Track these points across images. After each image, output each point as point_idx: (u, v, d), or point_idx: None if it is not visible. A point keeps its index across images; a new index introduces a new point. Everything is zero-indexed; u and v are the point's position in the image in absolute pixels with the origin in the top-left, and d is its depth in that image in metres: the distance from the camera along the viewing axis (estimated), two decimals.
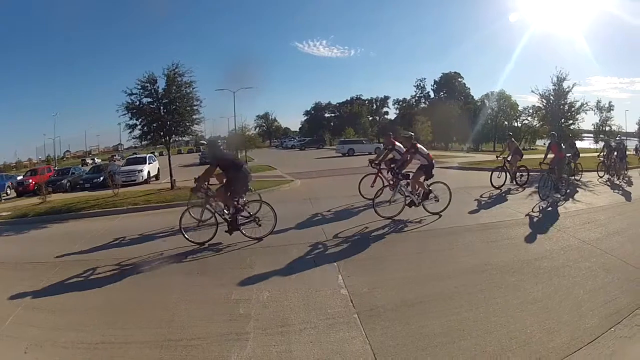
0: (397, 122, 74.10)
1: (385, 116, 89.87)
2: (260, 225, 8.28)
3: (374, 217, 9.50)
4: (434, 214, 9.85)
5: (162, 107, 16.82)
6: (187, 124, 17.32)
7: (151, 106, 16.78)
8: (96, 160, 63.33)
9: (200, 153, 49.70)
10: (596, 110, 32.12)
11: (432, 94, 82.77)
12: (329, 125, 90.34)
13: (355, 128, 78.68)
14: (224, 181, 8.52)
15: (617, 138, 24.31)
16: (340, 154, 40.78)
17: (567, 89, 24.60)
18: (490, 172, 14.69)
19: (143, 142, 19.83)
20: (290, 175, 18.44)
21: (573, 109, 24.72)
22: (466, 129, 66.36)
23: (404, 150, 10.38)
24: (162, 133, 17.07)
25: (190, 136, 21.18)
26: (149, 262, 7.28)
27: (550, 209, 11.36)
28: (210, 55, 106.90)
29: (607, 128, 33.00)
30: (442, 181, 10.34)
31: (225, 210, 8.18)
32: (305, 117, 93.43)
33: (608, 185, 15.89)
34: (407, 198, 9.78)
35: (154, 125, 16.89)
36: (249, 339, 4.31)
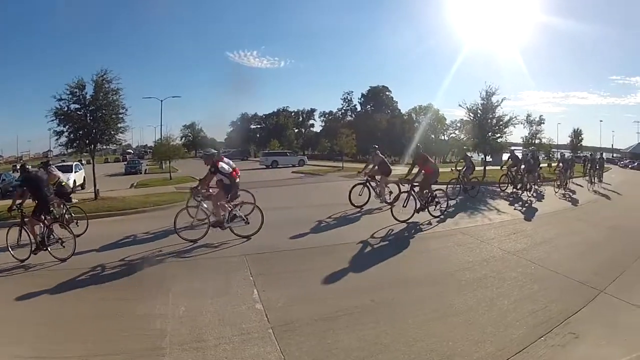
0: (323, 134, 75.65)
1: (311, 129, 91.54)
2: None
3: (295, 231, 9.76)
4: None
5: (88, 114, 16.95)
6: (112, 132, 17.47)
7: (78, 113, 16.89)
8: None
9: (125, 163, 48.79)
10: (526, 123, 34.68)
11: (359, 107, 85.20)
12: (255, 137, 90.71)
13: (281, 140, 78.35)
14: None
15: (530, 149, 26.00)
16: (264, 166, 41.75)
17: (496, 103, 25.98)
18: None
19: (69, 150, 19.71)
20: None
21: (501, 122, 26.06)
22: (392, 142, 68.43)
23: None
24: (87, 141, 17.16)
25: (116, 145, 21.05)
26: (70, 276, 7.12)
27: (473, 219, 11.80)
28: (140, 62, 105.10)
29: (537, 141, 35.57)
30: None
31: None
32: (232, 128, 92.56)
33: (532, 196, 16.81)
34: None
35: (80, 132, 16.94)
36: (165, 354, 4.36)
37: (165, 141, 35.12)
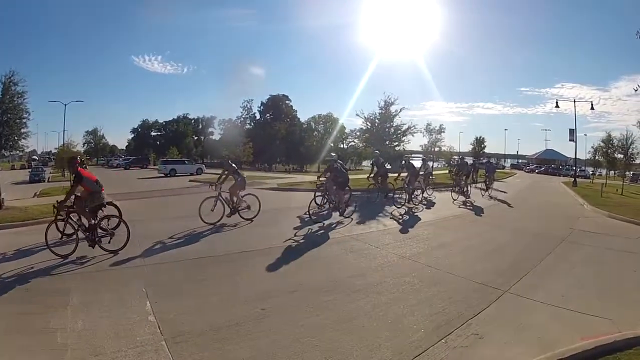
0: (222, 143, 75.41)
1: (211, 136, 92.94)
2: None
3: (189, 240, 9.83)
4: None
5: None
6: (16, 137, 17.06)
7: None
8: None
9: (30, 170, 45.83)
10: (425, 132, 36.82)
11: (258, 116, 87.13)
12: (155, 144, 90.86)
13: (180, 148, 78.79)
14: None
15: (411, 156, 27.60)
16: (163, 174, 42.02)
17: (395, 113, 27.00)
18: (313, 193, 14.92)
19: None
20: (110, 196, 17.14)
21: (399, 131, 27.15)
22: (291, 150, 69.18)
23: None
24: None
25: (21, 151, 20.83)
26: None
27: (370, 226, 11.90)
28: (42, 65, 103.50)
29: (437, 149, 37.92)
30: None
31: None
32: (133, 135, 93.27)
33: (432, 201, 17.75)
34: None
35: None
36: None
37: (66, 148, 34.85)
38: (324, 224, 11.98)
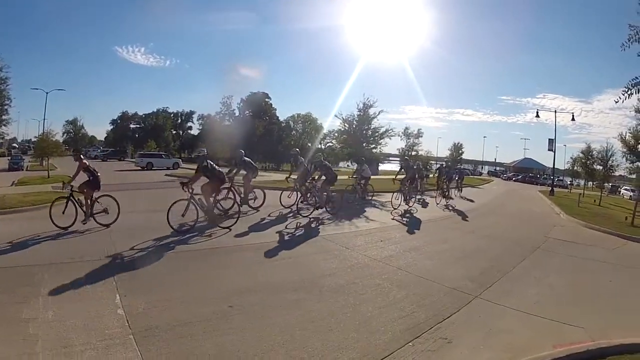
0: (200, 138, 76.27)
1: (189, 131, 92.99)
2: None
3: (160, 234, 9.66)
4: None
5: None
6: None
7: None
8: None
9: (9, 158, 45.11)
10: (403, 136, 37.34)
11: (237, 112, 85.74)
12: (134, 137, 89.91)
13: (158, 141, 79.06)
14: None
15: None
16: (139, 167, 42.06)
17: (373, 115, 27.27)
18: (280, 192, 15.05)
19: None
20: None
21: (377, 134, 27.36)
22: (269, 148, 69.29)
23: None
24: None
25: (1, 139, 20.98)
26: None
27: (342, 227, 11.87)
28: (25, 52, 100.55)
29: (414, 153, 38.45)
30: None
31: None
32: (112, 127, 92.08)
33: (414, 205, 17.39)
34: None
35: None
36: (39, 359, 4.34)
37: (45, 137, 33.97)
38: (297, 224, 11.92)
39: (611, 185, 48.04)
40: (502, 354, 4.55)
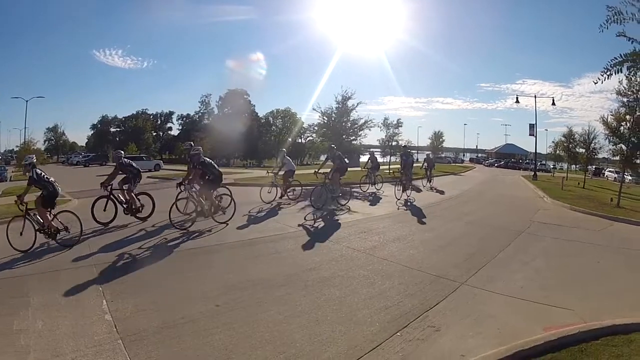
0: (180, 138, 76.58)
1: (169, 132, 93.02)
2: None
3: (142, 237, 9.80)
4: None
5: None
6: None
7: None
8: None
9: None
10: (383, 127, 37.43)
11: (216, 110, 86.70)
12: (115, 140, 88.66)
13: (139, 144, 78.55)
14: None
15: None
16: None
17: (352, 107, 27.41)
18: (260, 188, 15.11)
19: None
20: (69, 194, 17.76)
21: (356, 125, 27.48)
22: (249, 145, 69.78)
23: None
24: None
25: None
26: None
27: (324, 220, 11.92)
28: (2, 60, 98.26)
29: (394, 143, 38.49)
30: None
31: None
32: (92, 131, 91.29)
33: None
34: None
35: None
36: None
37: (27, 146, 34.58)
38: (276, 218, 11.98)
39: (595, 168, 48.69)
40: (492, 340, 4.57)
